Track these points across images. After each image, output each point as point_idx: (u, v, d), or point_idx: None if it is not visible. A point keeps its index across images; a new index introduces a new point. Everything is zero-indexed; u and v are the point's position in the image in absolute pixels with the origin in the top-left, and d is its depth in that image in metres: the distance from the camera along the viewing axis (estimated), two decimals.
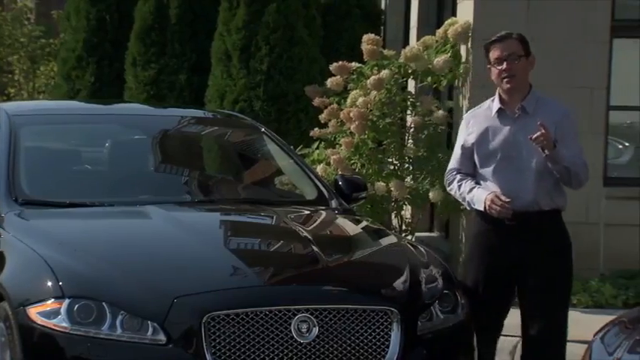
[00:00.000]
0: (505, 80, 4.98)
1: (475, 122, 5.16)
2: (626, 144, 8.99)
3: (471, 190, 5.06)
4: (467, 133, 5.16)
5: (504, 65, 4.96)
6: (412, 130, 8.65)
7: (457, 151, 5.23)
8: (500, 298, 5.12)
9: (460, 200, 5.23)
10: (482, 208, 4.97)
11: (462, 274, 5.38)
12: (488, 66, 5.07)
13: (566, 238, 5.11)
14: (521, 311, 5.12)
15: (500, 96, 5.08)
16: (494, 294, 5.08)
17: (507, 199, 4.88)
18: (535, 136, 4.78)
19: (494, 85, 5.11)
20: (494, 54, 5.01)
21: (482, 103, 5.20)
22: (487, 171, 5.06)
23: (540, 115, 4.96)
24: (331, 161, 8.26)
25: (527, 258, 4.97)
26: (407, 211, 8.85)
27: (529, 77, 5.08)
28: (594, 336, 3.77)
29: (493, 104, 5.11)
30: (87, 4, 11.81)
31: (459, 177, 5.16)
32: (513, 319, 5.20)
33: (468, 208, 5.19)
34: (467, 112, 8.38)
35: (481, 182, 5.07)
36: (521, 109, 5.02)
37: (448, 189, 5.32)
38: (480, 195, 4.99)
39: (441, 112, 8.40)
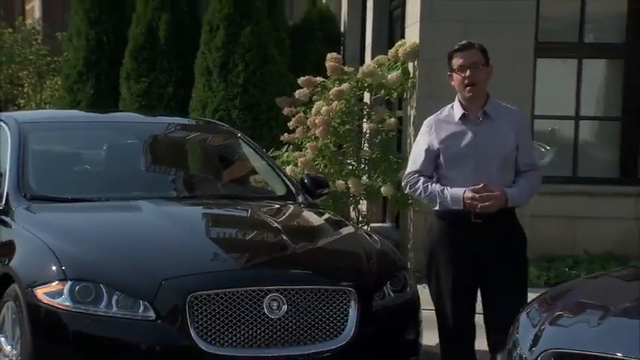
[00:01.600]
0: (468, 88, 4.53)
1: (439, 127, 4.64)
2: (548, 147, 9.08)
3: (442, 191, 4.55)
4: (430, 137, 4.64)
5: (467, 72, 4.52)
6: (367, 135, 8.68)
7: (419, 155, 4.68)
8: (467, 295, 4.62)
9: (424, 201, 4.69)
10: (460, 207, 4.47)
11: (426, 274, 4.76)
12: (450, 73, 4.62)
13: (523, 234, 4.70)
14: (484, 302, 4.66)
15: (460, 102, 4.62)
16: (461, 291, 4.59)
17: (480, 185, 4.42)
18: (484, 205, 4.41)
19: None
20: (457, 62, 4.57)
21: (441, 109, 4.71)
22: (454, 173, 4.57)
23: (502, 121, 4.59)
24: (298, 162, 8.27)
25: (490, 253, 4.52)
26: (363, 205, 8.87)
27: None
28: (521, 311, 3.79)
29: (454, 110, 4.63)
30: (87, 26, 11.80)
31: (422, 179, 4.64)
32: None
33: (437, 207, 4.60)
34: (414, 119, 8.51)
35: (446, 184, 4.57)
36: (483, 114, 4.57)
37: (409, 191, 4.74)
38: (456, 193, 4.49)
39: (392, 120, 8.43)
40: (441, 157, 4.61)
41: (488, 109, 4.59)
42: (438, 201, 4.57)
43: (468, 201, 4.43)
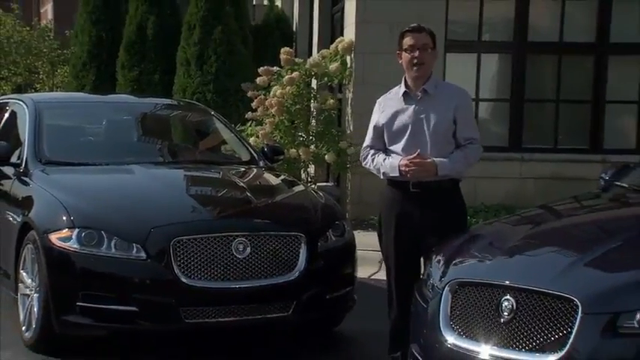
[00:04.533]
0: (415, 68, 3.95)
1: (386, 105, 4.08)
2: None
3: (384, 160, 4.02)
4: (378, 115, 4.10)
5: (417, 53, 3.93)
6: (314, 113, 8.65)
7: (370, 131, 4.13)
8: (412, 260, 4.02)
9: (375, 172, 4.11)
10: (397, 174, 3.94)
11: (378, 236, 4.21)
12: (399, 52, 4.02)
13: (463, 204, 4.10)
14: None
15: (405, 82, 4.04)
16: (406, 256, 4.02)
17: (415, 154, 3.87)
18: (413, 170, 3.88)
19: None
20: (408, 41, 3.96)
21: (392, 89, 4.15)
22: (395, 147, 4.01)
23: (441, 97, 4.00)
24: (259, 135, 8.23)
25: (430, 221, 3.93)
26: (311, 169, 8.86)
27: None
28: (434, 250, 3.80)
29: (400, 90, 4.06)
30: (90, 25, 11.62)
31: (372, 152, 4.09)
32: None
33: (382, 177, 4.07)
34: (351, 101, 8.50)
35: (391, 156, 4.02)
36: (422, 92, 3.99)
37: (363, 163, 4.17)
38: (392, 163, 3.96)
39: (332, 101, 8.41)
40: (385, 132, 4.07)
41: (428, 87, 4.00)
42: (381, 171, 4.04)
43: (403, 168, 3.90)
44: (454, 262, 3.49)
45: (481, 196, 8.19)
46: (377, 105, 4.16)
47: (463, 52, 8.62)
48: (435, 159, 3.93)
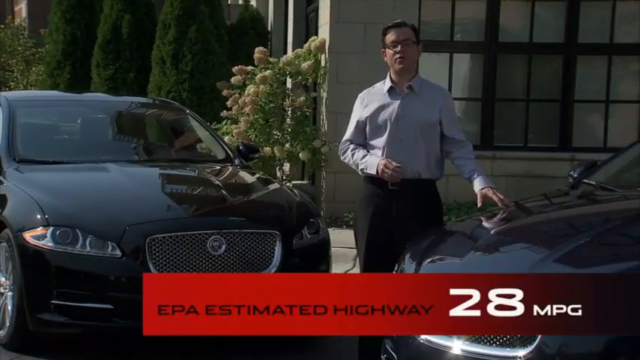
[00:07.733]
0: (398, 61, 3.89)
1: (369, 100, 3.99)
2: None
3: (363, 157, 3.94)
4: (362, 109, 4.00)
5: (399, 48, 3.89)
6: (289, 112, 8.64)
7: (352, 125, 4.03)
8: (385, 257, 3.88)
9: (353, 167, 4.04)
10: (374, 173, 3.87)
11: (354, 230, 4.16)
12: (383, 49, 3.98)
13: (440, 204, 4.08)
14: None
15: (390, 77, 3.98)
16: (379, 251, 3.93)
17: (398, 164, 3.83)
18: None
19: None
20: (390, 37, 3.92)
21: (375, 84, 4.08)
22: (376, 142, 3.93)
23: (426, 95, 3.97)
24: (234, 133, 8.20)
25: (406, 218, 3.88)
26: (286, 167, 8.85)
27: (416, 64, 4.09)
28: (407, 247, 3.81)
29: (384, 85, 3.99)
30: (64, 24, 11.49)
31: (352, 147, 4.01)
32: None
33: (361, 173, 4.00)
34: (325, 100, 8.49)
35: (371, 152, 3.95)
36: (408, 88, 3.94)
37: (342, 157, 4.09)
38: (372, 161, 3.89)
39: (301, 99, 8.42)
40: (367, 127, 3.98)
41: (414, 84, 3.96)
42: (360, 168, 3.98)
43: (381, 167, 3.84)
44: (426, 258, 3.50)
45: (453, 193, 8.22)
46: (359, 100, 4.06)
47: (436, 51, 8.65)
48: (478, 177, 3.99)
